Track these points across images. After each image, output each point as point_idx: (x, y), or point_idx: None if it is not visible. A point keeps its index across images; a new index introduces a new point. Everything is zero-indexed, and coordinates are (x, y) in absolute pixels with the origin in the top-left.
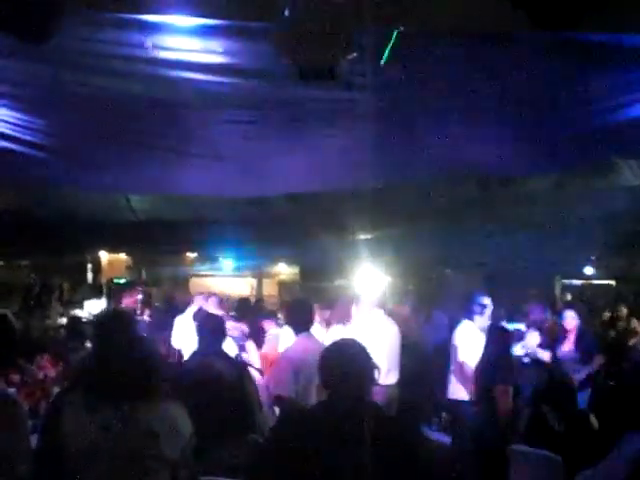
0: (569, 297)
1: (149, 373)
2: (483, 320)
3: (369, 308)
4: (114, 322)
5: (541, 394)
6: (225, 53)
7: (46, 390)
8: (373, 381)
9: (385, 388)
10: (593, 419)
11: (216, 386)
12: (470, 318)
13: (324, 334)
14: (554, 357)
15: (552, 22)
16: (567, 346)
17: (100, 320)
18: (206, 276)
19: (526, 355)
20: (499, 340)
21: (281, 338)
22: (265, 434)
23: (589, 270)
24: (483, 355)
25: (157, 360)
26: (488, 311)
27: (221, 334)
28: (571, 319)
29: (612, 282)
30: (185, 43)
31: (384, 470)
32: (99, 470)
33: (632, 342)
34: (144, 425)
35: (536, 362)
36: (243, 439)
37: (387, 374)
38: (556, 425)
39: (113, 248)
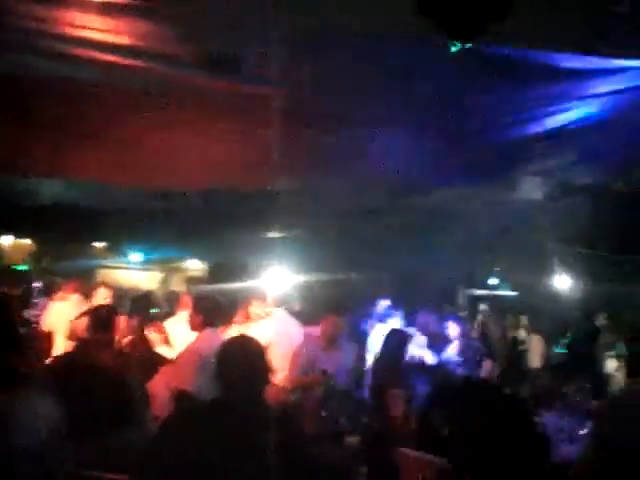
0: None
1: (6, 360)
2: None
3: (271, 307)
4: None
5: (427, 397)
6: (133, 34)
7: None
8: (268, 381)
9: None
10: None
11: (93, 378)
12: (382, 321)
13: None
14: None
15: (461, 32)
16: (451, 351)
17: None
18: (114, 268)
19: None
20: (393, 343)
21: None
22: (147, 429)
23: (493, 281)
24: (378, 357)
25: (19, 346)
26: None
27: (109, 326)
28: (453, 328)
29: (514, 293)
30: (93, 21)
31: (274, 471)
32: None
33: None
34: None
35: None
36: (122, 433)
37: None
38: (442, 428)
39: (14, 233)
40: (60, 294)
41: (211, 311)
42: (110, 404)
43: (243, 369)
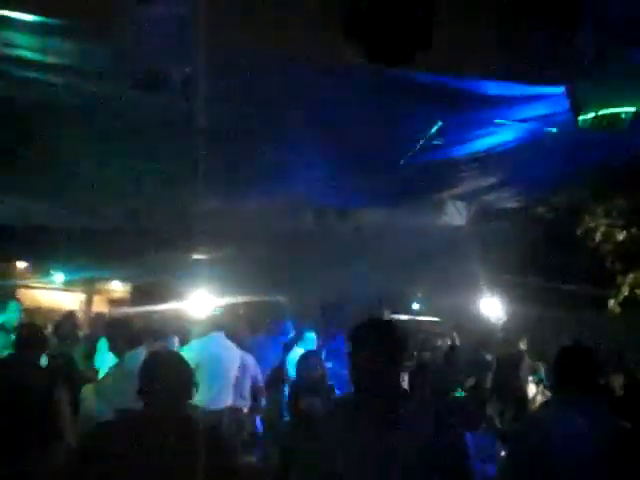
0: None
1: None
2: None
3: (208, 330)
4: None
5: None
6: (64, 53)
7: None
8: (189, 396)
9: (214, 414)
10: None
11: (20, 395)
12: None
13: None
14: None
15: (386, 57)
16: None
17: None
18: (35, 288)
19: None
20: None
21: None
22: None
23: (416, 306)
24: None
25: None
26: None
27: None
28: None
29: (436, 318)
30: (24, 40)
31: None
32: None
33: None
34: None
35: None
36: (48, 447)
37: (218, 398)
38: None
39: None
40: None
41: (124, 334)
42: (37, 421)
43: (162, 382)
